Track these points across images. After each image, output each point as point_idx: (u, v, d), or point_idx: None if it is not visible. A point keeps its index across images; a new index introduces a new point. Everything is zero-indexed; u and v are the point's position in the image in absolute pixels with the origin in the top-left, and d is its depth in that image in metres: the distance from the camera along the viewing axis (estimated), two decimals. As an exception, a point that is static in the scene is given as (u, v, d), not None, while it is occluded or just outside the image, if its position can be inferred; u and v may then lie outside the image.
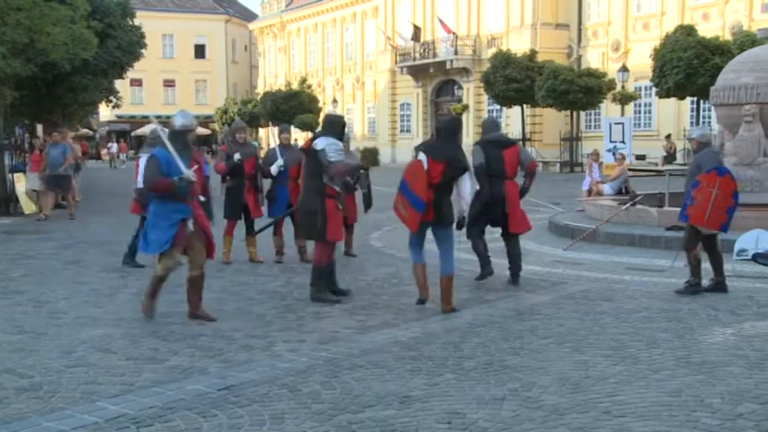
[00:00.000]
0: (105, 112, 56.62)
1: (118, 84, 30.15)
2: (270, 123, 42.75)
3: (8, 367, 5.29)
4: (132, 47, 25.78)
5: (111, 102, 30.17)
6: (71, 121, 30.90)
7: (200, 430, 4.15)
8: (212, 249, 6.88)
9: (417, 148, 7.58)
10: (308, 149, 7.47)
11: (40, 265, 9.90)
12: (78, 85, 23.58)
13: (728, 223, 7.74)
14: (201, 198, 6.78)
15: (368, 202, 10.28)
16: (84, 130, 55.85)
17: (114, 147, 49.68)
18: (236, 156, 9.60)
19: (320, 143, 7.43)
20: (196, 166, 6.59)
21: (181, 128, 6.66)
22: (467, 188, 7.04)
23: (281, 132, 10.36)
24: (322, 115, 47.90)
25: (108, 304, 7.34)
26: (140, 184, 8.91)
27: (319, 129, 7.93)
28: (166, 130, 6.78)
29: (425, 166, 6.90)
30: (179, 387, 4.85)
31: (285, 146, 10.06)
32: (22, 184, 17.27)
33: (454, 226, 7.13)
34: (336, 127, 7.63)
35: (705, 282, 7.83)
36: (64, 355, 5.61)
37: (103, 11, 23.44)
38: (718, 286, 7.77)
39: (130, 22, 26.27)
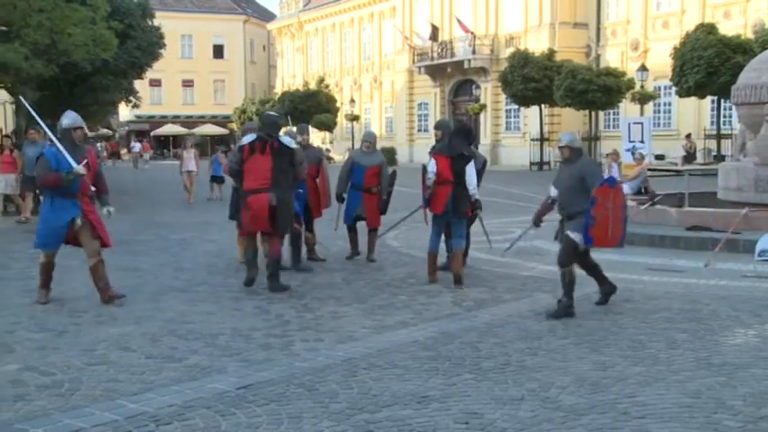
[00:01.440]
0: (125, 112, 57.02)
1: (137, 84, 30.39)
2: (289, 123, 42.79)
3: (30, 365, 5.35)
4: (151, 47, 26.02)
5: (130, 102, 30.41)
6: (91, 121, 31.18)
7: (219, 429, 4.18)
8: (105, 239, 7.39)
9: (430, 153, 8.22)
10: (280, 148, 7.78)
11: (58, 264, 9.96)
12: (99, 86, 23.82)
13: (624, 235, 7.26)
14: (93, 188, 7.25)
15: (383, 208, 10.12)
16: (105, 130, 56.34)
17: (138, 146, 49.29)
18: None
19: (288, 141, 7.99)
20: (85, 161, 7.10)
21: (66, 126, 7.24)
22: (472, 178, 7.93)
23: (298, 133, 10.35)
24: (340, 115, 48.16)
25: (127, 303, 7.39)
26: None
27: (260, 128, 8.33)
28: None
29: (434, 167, 7.88)
30: (198, 386, 4.89)
31: (303, 146, 10.04)
32: None
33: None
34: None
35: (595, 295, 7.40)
36: (85, 352, 5.66)
37: (123, 11, 23.67)
38: (610, 292, 7.30)
39: (150, 23, 26.52)
